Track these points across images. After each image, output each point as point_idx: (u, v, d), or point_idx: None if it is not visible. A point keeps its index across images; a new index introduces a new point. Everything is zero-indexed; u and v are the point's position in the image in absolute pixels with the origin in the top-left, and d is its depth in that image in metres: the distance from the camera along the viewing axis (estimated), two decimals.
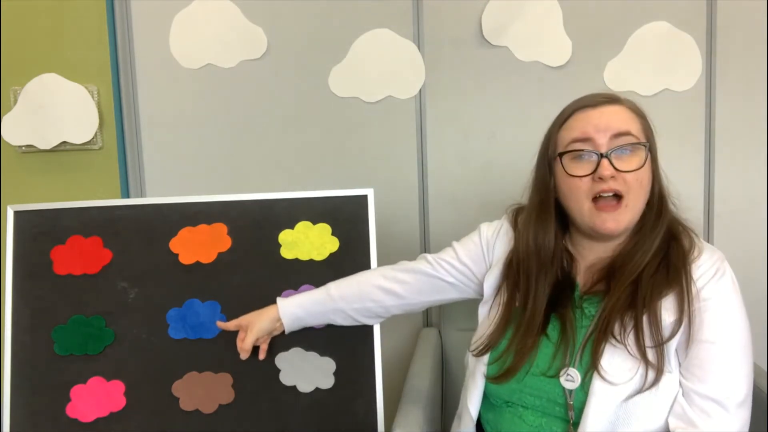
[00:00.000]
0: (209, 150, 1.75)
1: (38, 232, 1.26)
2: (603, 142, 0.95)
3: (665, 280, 0.94)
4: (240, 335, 1.19)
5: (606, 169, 0.94)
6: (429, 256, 1.16)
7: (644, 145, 0.96)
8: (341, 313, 1.17)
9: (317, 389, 1.22)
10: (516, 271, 1.04)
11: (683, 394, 0.91)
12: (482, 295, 1.12)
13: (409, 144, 1.72)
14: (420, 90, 1.70)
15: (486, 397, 1.05)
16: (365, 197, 1.26)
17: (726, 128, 1.68)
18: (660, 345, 0.91)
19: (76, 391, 1.22)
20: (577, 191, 0.97)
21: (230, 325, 1.19)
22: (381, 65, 1.69)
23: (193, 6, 1.69)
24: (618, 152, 0.94)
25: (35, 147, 1.72)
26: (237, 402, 1.22)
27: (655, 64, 1.66)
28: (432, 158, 1.73)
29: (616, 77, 1.67)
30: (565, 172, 0.97)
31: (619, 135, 0.95)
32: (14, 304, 1.24)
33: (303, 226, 1.26)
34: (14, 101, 1.71)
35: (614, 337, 0.92)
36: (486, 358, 1.04)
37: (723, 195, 1.70)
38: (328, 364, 1.22)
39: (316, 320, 1.19)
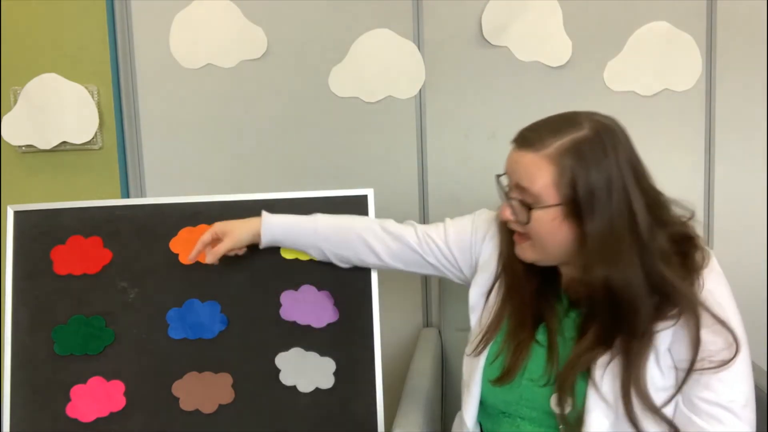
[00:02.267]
0: (209, 150, 1.75)
1: (38, 232, 1.26)
2: (512, 187, 0.94)
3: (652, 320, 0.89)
4: (212, 241, 1.17)
5: (502, 212, 0.95)
6: (418, 229, 1.15)
7: (528, 208, 0.90)
8: (319, 250, 1.18)
9: (317, 389, 1.22)
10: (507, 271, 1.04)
11: (684, 402, 0.89)
12: (461, 280, 1.13)
13: (409, 144, 1.72)
14: (420, 90, 1.70)
15: (483, 406, 1.03)
16: (365, 197, 1.26)
17: (726, 128, 1.68)
18: (654, 410, 0.88)
19: (76, 391, 1.22)
20: None
21: (206, 235, 1.17)
22: (381, 65, 1.69)
23: (193, 6, 1.69)
24: (519, 201, 0.92)
25: (35, 147, 1.72)
26: (237, 402, 1.22)
27: (655, 64, 1.66)
28: (432, 158, 1.73)
29: (616, 77, 1.67)
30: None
31: (519, 187, 0.91)
32: (14, 304, 1.24)
33: None
34: (14, 101, 1.71)
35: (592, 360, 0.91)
36: (484, 359, 1.02)
37: (723, 195, 1.70)
38: (328, 364, 1.22)
39: (294, 246, 1.19)
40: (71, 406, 1.21)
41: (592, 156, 0.86)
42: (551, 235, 0.90)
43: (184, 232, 1.26)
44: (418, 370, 1.41)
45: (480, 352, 1.03)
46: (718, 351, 0.87)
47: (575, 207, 0.86)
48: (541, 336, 0.99)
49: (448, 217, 1.17)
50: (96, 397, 1.22)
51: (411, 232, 1.15)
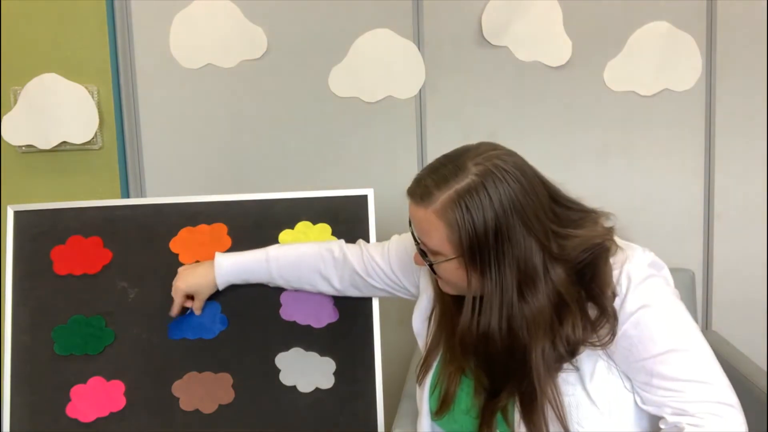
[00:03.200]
0: (209, 150, 1.75)
1: (38, 232, 1.26)
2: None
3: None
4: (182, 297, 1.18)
5: (416, 258, 0.95)
6: (363, 252, 1.14)
7: (429, 263, 0.90)
8: (278, 285, 1.19)
9: (317, 389, 1.22)
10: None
11: (672, 414, 0.83)
12: (414, 298, 1.12)
13: (409, 144, 1.72)
14: (420, 90, 1.70)
15: None
16: (365, 197, 1.26)
17: (726, 128, 1.68)
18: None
19: (76, 391, 1.22)
20: None
21: (177, 302, 1.18)
22: (381, 65, 1.69)
23: (193, 6, 1.69)
24: None
25: (35, 147, 1.72)
26: (237, 402, 1.22)
27: (655, 64, 1.66)
28: (432, 158, 1.72)
29: (616, 77, 1.67)
30: None
31: (420, 241, 0.92)
32: (14, 304, 1.24)
33: (303, 226, 1.26)
34: (14, 101, 1.71)
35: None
36: (427, 390, 1.01)
37: (723, 195, 1.70)
38: (328, 364, 1.22)
39: (251, 282, 1.20)
40: (71, 406, 1.21)
41: (474, 205, 0.83)
42: (460, 280, 0.89)
43: (184, 232, 1.26)
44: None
45: (422, 381, 1.02)
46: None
47: (469, 257, 0.85)
48: (471, 366, 0.96)
49: (396, 234, 1.15)
50: (96, 397, 1.21)
51: (357, 256, 1.14)
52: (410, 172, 1.71)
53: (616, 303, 0.85)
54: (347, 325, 1.23)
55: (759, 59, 1.65)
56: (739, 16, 1.65)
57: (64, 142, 1.72)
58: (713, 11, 1.65)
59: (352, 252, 1.15)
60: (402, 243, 1.12)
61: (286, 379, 1.22)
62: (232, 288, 1.22)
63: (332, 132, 1.72)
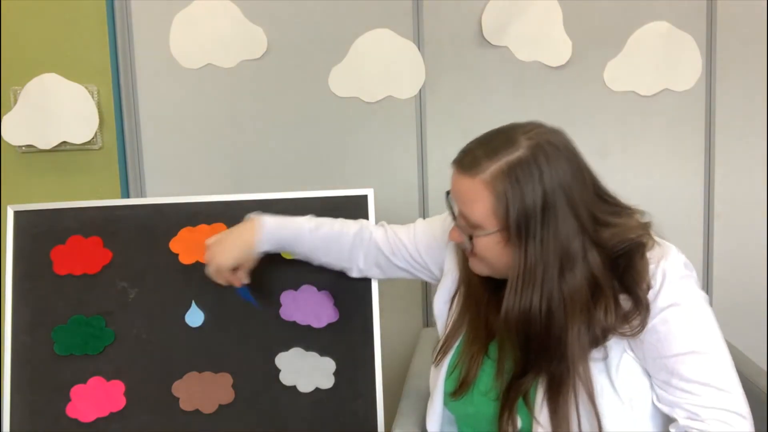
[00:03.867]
0: (209, 150, 1.75)
1: (38, 232, 1.26)
2: (455, 207, 0.92)
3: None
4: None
5: (452, 234, 0.94)
6: (387, 230, 1.13)
7: (469, 237, 0.89)
8: (300, 257, 1.18)
9: (317, 389, 1.22)
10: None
11: (684, 417, 0.84)
12: (435, 280, 1.11)
13: (409, 144, 1.72)
14: (420, 90, 1.70)
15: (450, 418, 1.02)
16: (365, 197, 1.26)
17: (726, 128, 1.68)
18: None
19: (76, 391, 1.22)
20: None
21: (227, 280, 1.13)
22: (381, 65, 1.69)
23: (193, 6, 1.69)
24: None
25: (35, 147, 1.72)
26: (237, 402, 1.22)
27: (655, 64, 1.66)
28: (432, 158, 1.73)
29: (616, 77, 1.67)
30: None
31: (462, 214, 0.90)
32: (14, 304, 1.24)
33: None
34: (14, 101, 1.71)
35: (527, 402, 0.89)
36: (444, 371, 1.01)
37: (723, 195, 1.70)
38: (328, 364, 1.22)
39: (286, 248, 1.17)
40: (71, 406, 1.21)
41: (525, 179, 0.83)
42: (497, 257, 0.89)
43: (184, 232, 1.26)
44: (418, 370, 1.41)
45: (439, 362, 1.02)
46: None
47: (515, 231, 0.85)
48: (492, 349, 0.97)
49: (420, 219, 1.16)
50: (96, 397, 1.22)
51: (381, 234, 1.14)
52: (410, 172, 1.73)
53: (650, 296, 0.86)
54: (347, 325, 1.23)
55: (759, 59, 1.65)
56: (739, 16, 1.65)
57: (64, 142, 1.72)
58: (713, 11, 1.65)
59: (376, 231, 1.15)
60: (429, 224, 1.13)
61: (286, 379, 1.22)
62: (232, 287, 1.22)
63: (332, 132, 1.72)
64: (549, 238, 0.84)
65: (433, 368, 1.05)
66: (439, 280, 1.11)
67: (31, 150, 1.73)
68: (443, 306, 1.06)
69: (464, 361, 0.98)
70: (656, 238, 0.91)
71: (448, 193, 0.95)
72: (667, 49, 1.66)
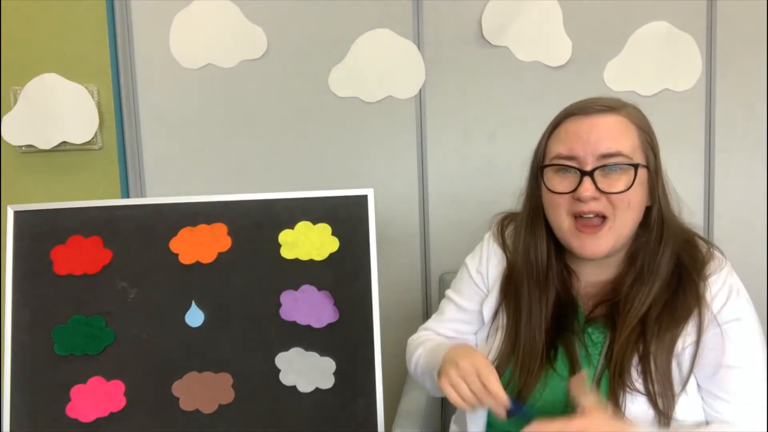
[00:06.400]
0: (209, 150, 1.75)
1: (38, 232, 1.26)
2: (589, 160, 0.87)
3: (675, 318, 0.87)
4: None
5: (586, 189, 0.86)
6: (440, 328, 1.11)
7: (634, 166, 0.87)
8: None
9: (317, 389, 1.22)
10: (514, 289, 0.97)
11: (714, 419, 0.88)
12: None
13: (409, 144, 1.72)
14: (420, 90, 1.70)
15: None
16: (365, 197, 1.26)
17: (726, 128, 1.68)
18: (671, 397, 0.87)
19: (76, 391, 1.22)
20: (558, 208, 0.90)
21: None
22: (381, 65, 1.69)
23: (193, 6, 1.69)
24: (604, 170, 0.87)
25: (35, 147, 1.72)
26: (237, 402, 1.22)
27: (655, 64, 1.66)
28: (432, 158, 1.73)
29: (616, 77, 1.67)
30: (546, 186, 0.91)
31: (607, 155, 0.87)
32: (14, 304, 1.24)
33: (303, 226, 1.26)
34: (14, 101, 1.71)
35: (630, 386, 0.87)
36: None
37: (723, 195, 1.70)
38: (328, 364, 1.22)
39: None
40: (71, 406, 1.21)
41: (647, 125, 0.92)
42: (640, 203, 0.90)
43: (184, 232, 1.26)
44: None
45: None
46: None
47: (655, 167, 0.91)
48: (560, 365, 0.92)
49: (447, 291, 1.13)
50: (96, 397, 1.21)
51: (440, 336, 1.11)
52: (410, 172, 1.73)
53: (715, 306, 0.88)
54: (347, 325, 1.23)
55: (759, 59, 1.65)
56: (739, 16, 1.65)
57: (64, 142, 1.72)
58: (713, 11, 1.65)
59: (436, 338, 1.12)
60: (457, 281, 1.11)
61: (286, 379, 1.22)
62: (232, 288, 1.22)
63: (332, 132, 1.72)
64: (665, 183, 0.93)
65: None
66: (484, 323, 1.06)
67: (31, 150, 1.73)
68: (491, 317, 1.02)
69: (519, 380, 0.92)
70: (712, 250, 0.94)
71: (542, 167, 0.92)
72: (667, 49, 1.66)
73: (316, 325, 1.23)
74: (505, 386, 0.87)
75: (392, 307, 1.72)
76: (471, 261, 1.08)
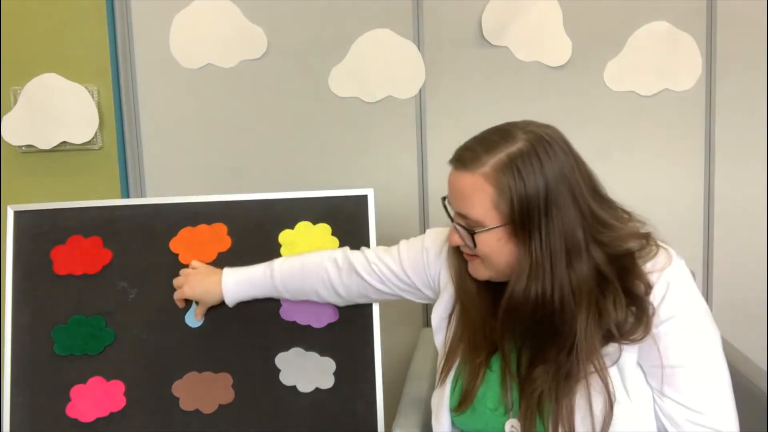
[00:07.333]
0: (209, 150, 1.75)
1: (38, 232, 1.26)
2: (453, 210, 0.91)
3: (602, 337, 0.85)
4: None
5: (451, 236, 0.92)
6: (369, 255, 1.11)
7: (471, 233, 0.87)
8: (282, 296, 1.19)
9: (317, 389, 1.22)
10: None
11: (673, 424, 0.86)
12: (427, 300, 1.10)
13: (409, 144, 1.72)
14: (420, 90, 1.70)
15: None
16: (365, 197, 1.26)
17: (726, 128, 1.68)
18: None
19: (76, 391, 1.22)
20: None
21: (179, 303, 1.22)
22: (381, 65, 1.69)
23: (193, 6, 1.69)
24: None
25: (35, 147, 1.72)
26: (237, 402, 1.22)
27: (655, 64, 1.66)
28: (432, 158, 1.73)
29: (616, 77, 1.67)
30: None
31: (458, 214, 0.90)
32: (14, 304, 1.24)
33: (303, 226, 1.26)
34: (14, 101, 1.71)
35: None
36: (449, 387, 0.99)
37: (723, 195, 1.70)
38: (328, 364, 1.22)
39: (260, 297, 1.20)
40: (71, 406, 1.21)
41: (526, 170, 0.83)
42: (499, 255, 0.88)
43: (184, 232, 1.26)
44: (418, 370, 1.41)
45: (444, 380, 1.00)
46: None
47: (518, 225, 0.84)
48: (495, 361, 0.95)
49: (403, 239, 1.14)
50: (96, 397, 1.21)
51: (362, 261, 1.12)
52: (410, 172, 1.73)
53: (654, 304, 0.85)
54: (347, 325, 1.23)
55: (759, 59, 1.66)
56: (739, 16, 1.65)
57: (64, 142, 1.72)
58: (713, 11, 1.65)
59: (356, 258, 1.13)
60: (413, 244, 1.11)
61: (286, 379, 1.22)
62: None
63: (332, 132, 1.72)
64: (554, 230, 0.83)
65: (437, 387, 1.02)
66: (429, 300, 1.10)
67: (31, 150, 1.73)
68: (441, 322, 1.04)
69: (464, 374, 0.96)
70: (661, 244, 0.90)
71: (444, 198, 0.94)
72: (667, 49, 1.66)
73: (316, 325, 1.23)
74: (455, 381, 0.97)
75: (392, 307, 1.71)
76: (431, 243, 1.07)
